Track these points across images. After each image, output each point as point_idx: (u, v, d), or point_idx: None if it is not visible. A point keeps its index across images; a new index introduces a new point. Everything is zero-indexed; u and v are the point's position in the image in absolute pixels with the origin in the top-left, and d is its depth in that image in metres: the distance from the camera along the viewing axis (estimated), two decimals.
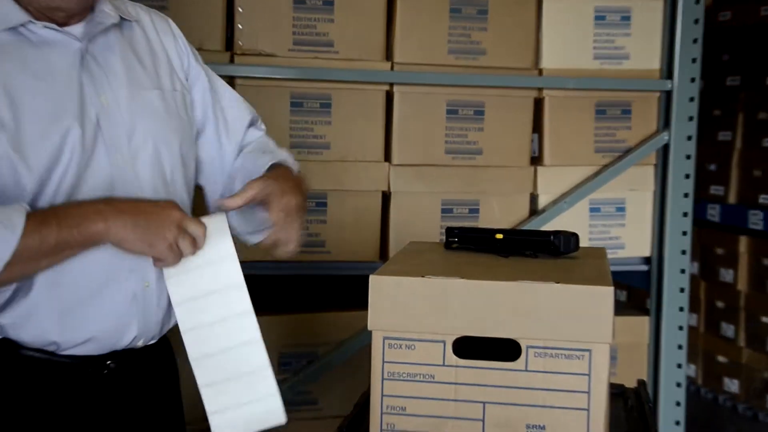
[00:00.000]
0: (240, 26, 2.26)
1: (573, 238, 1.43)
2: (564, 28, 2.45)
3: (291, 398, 2.33)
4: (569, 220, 2.46)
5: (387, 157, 2.38)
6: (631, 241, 2.55)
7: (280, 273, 2.30)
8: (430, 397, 1.21)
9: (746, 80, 3.89)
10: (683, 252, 2.54)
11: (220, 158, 1.50)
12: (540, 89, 2.45)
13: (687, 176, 2.53)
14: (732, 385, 4.11)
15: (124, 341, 1.33)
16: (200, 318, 1.27)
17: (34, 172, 1.23)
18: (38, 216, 1.20)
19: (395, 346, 1.22)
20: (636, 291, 3.80)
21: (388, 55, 2.36)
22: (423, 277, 1.21)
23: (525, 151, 2.47)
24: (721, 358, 4.16)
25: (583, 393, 1.18)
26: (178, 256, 1.26)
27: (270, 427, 1.22)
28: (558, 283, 1.18)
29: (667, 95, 2.52)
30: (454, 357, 1.21)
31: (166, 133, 1.38)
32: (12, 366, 1.29)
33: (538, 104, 2.47)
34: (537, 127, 2.49)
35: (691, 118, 2.52)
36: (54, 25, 1.29)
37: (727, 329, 4.07)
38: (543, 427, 1.18)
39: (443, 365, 1.21)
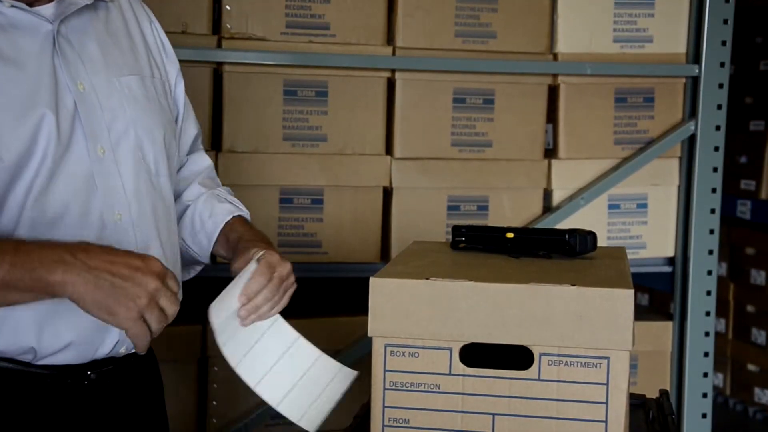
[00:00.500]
0: (228, 7, 2.27)
1: (590, 237, 1.44)
2: (581, 9, 2.45)
3: None
4: (586, 217, 2.47)
5: (388, 150, 2.39)
6: (653, 240, 2.56)
7: None
8: (435, 408, 1.22)
9: None
10: (710, 252, 2.55)
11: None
12: (555, 75, 2.46)
13: (715, 170, 2.54)
14: (763, 396, 4.12)
15: (104, 348, 1.34)
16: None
17: (4, 162, 1.24)
18: None
19: (398, 353, 1.23)
20: (658, 294, 3.81)
21: (390, 39, 2.37)
22: (427, 279, 1.22)
23: (538, 143, 2.47)
24: (751, 367, 4.17)
25: (601, 404, 1.19)
26: (144, 331, 1.19)
27: (346, 387, 1.32)
28: (573, 285, 1.19)
29: (694, 81, 2.53)
30: (461, 365, 1.21)
31: (147, 122, 1.40)
32: None
33: (553, 92, 2.48)
34: (551, 117, 2.50)
35: (719, 107, 2.53)
36: (22, 4, 1.30)
37: (758, 335, 4.08)
38: None
39: (449, 374, 1.22)
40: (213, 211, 1.53)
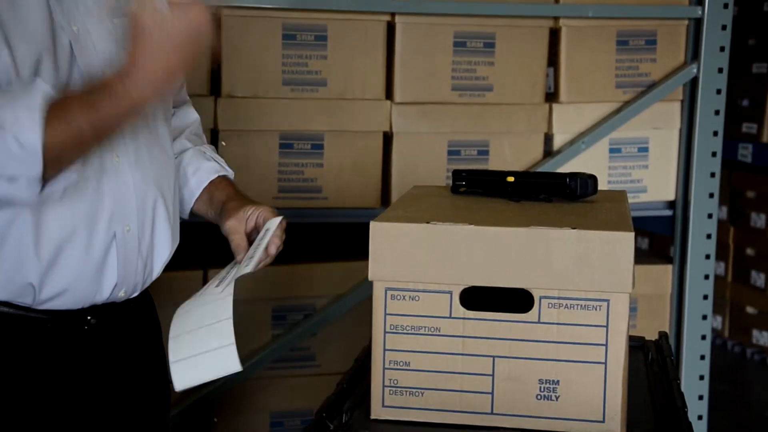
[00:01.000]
0: None
1: (591, 180, 1.44)
2: None
3: (286, 355, 2.36)
4: (587, 161, 2.46)
5: (388, 94, 2.37)
6: (654, 183, 2.55)
7: None
8: (435, 351, 1.23)
9: None
10: (711, 195, 2.54)
11: None
12: (556, 18, 2.43)
13: (717, 113, 2.52)
14: (761, 338, 4.16)
15: (103, 293, 1.35)
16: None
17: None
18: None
19: (398, 297, 1.23)
20: (659, 238, 3.82)
21: None
22: (428, 223, 1.22)
23: (539, 87, 2.45)
24: (750, 309, 4.20)
25: (600, 346, 1.19)
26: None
27: (225, 374, 1.26)
28: (574, 228, 1.19)
29: (697, 23, 2.50)
30: (462, 308, 1.22)
31: None
32: None
33: (554, 35, 2.45)
34: (552, 60, 2.47)
35: (722, 49, 2.50)
36: None
37: (757, 278, 4.10)
38: (557, 382, 1.20)
39: (450, 317, 1.22)
40: (198, 168, 1.52)
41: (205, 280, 2.28)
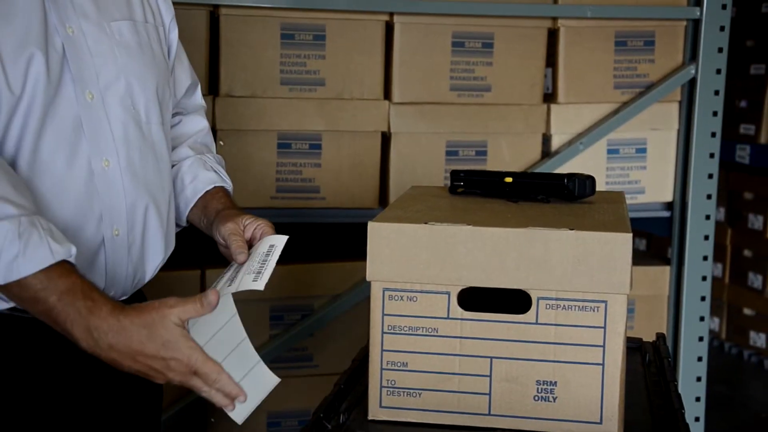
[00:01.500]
0: None
1: (588, 181, 1.44)
2: None
3: (283, 355, 2.36)
4: (585, 162, 2.46)
5: (387, 94, 2.37)
6: (652, 185, 2.55)
7: (272, 221, 2.30)
8: (433, 351, 1.23)
9: None
10: (708, 197, 2.55)
11: None
12: (555, 19, 2.43)
13: (715, 114, 2.53)
14: (758, 340, 4.16)
15: None
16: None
17: (15, 95, 1.24)
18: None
19: (396, 297, 1.23)
20: (656, 239, 3.83)
21: None
22: (426, 223, 1.22)
23: (537, 88, 2.45)
24: (747, 311, 4.20)
25: (598, 347, 1.19)
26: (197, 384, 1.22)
27: (269, 391, 1.28)
28: (572, 229, 1.19)
29: (695, 24, 2.50)
30: (459, 309, 1.22)
31: (139, 69, 1.38)
32: None
33: (553, 35, 2.45)
34: (551, 61, 2.47)
35: (720, 50, 2.51)
36: None
37: (755, 280, 4.11)
38: (554, 383, 1.20)
39: (447, 318, 1.22)
40: (196, 177, 1.52)
41: (202, 280, 2.29)
